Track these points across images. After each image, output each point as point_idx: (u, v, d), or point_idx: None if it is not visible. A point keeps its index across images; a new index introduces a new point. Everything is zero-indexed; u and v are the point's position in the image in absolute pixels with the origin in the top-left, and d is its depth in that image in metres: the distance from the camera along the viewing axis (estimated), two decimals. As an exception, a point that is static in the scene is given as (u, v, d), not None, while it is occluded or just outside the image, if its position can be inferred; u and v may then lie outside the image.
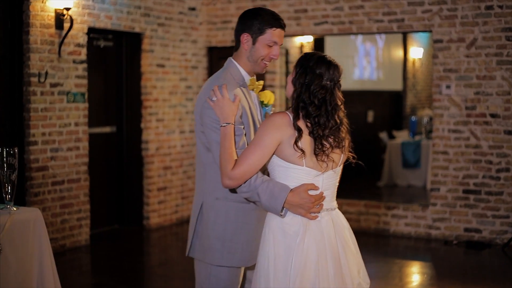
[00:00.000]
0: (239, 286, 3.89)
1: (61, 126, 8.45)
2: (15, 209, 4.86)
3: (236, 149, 3.62)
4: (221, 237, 3.76)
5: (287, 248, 3.53)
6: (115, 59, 9.90)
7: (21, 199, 7.90)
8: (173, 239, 9.81)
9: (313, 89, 3.53)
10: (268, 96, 4.06)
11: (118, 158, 9.99)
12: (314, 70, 3.54)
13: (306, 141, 3.54)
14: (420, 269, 8.24)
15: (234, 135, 3.64)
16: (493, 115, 8.91)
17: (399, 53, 16.18)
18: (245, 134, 3.74)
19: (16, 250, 4.82)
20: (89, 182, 8.88)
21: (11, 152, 4.83)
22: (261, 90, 4.05)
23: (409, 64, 16.36)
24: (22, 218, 4.88)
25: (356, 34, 10.66)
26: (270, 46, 3.86)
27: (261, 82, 4.00)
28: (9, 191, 4.86)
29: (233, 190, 3.68)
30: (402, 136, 14.23)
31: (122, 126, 9.98)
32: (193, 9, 10.61)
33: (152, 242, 9.56)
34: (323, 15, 9.86)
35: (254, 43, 3.85)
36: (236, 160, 3.55)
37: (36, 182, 8.14)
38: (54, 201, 8.38)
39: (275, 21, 3.85)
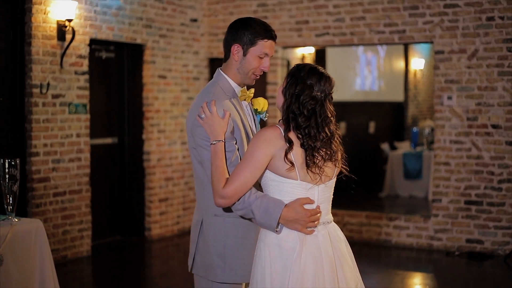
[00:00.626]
0: None
1: (62, 137, 8.46)
2: (16, 220, 4.87)
3: (228, 165, 3.55)
4: (221, 254, 3.71)
5: (284, 264, 3.45)
6: (116, 70, 9.92)
7: (22, 210, 7.91)
8: (174, 250, 9.80)
9: (303, 100, 3.45)
10: (262, 103, 3.99)
11: (119, 169, 9.99)
12: (304, 80, 3.47)
13: (298, 153, 3.47)
14: (422, 281, 8.22)
15: (225, 151, 3.57)
16: (494, 126, 8.91)
17: (401, 64, 16.20)
18: (238, 149, 3.66)
19: (17, 261, 4.82)
20: (90, 193, 8.88)
21: (13, 163, 4.84)
22: (253, 97, 3.99)
23: (411, 75, 16.38)
24: (23, 229, 4.88)
25: (357, 45, 10.68)
26: (261, 58, 3.77)
27: (252, 90, 3.92)
28: (11, 202, 4.87)
29: (227, 208, 3.61)
30: (404, 147, 14.23)
31: (124, 137, 9.99)
32: (194, 20, 10.64)
33: (153, 253, 9.55)
34: (325, 26, 9.88)
35: (245, 54, 3.75)
36: (227, 178, 3.48)
37: (37, 193, 8.14)
38: (55, 212, 8.37)
39: (267, 32, 3.75)
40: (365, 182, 12.23)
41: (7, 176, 4.81)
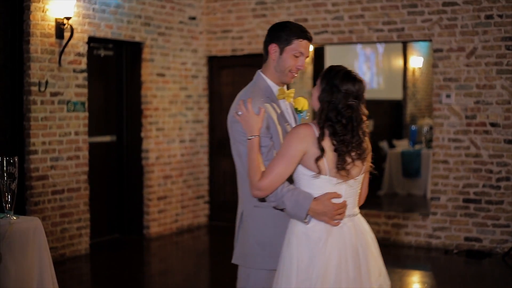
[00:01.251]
0: None
1: (61, 135, 8.46)
2: (15, 218, 4.86)
3: (263, 160, 3.78)
4: (261, 242, 3.92)
5: (310, 252, 3.66)
6: (115, 68, 9.91)
7: (21, 208, 7.90)
8: (173, 248, 9.80)
9: (340, 108, 3.64)
10: (302, 103, 4.19)
11: (118, 167, 9.98)
12: (340, 88, 3.64)
13: (329, 157, 3.66)
14: (420, 279, 8.23)
15: (260, 146, 3.80)
16: (493, 124, 8.91)
17: (399, 62, 16.19)
18: (274, 145, 3.88)
19: (16, 259, 4.81)
20: (89, 191, 8.88)
21: (11, 161, 4.83)
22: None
23: (409, 73, 16.37)
24: (22, 227, 4.88)
25: (356, 43, 10.68)
26: (297, 57, 3.98)
27: (292, 90, 4.12)
28: (9, 200, 4.86)
29: (262, 200, 3.83)
30: (402, 145, 14.23)
31: (122, 135, 9.99)
32: (193, 18, 10.63)
33: (152, 251, 9.55)
34: (323, 24, 9.88)
35: (281, 53, 3.98)
36: (263, 171, 3.70)
37: (36, 191, 8.13)
38: (54, 210, 8.37)
39: (302, 32, 3.98)
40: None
41: (5, 174, 4.81)
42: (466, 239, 9.09)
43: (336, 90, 3.64)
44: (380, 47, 15.59)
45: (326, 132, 3.64)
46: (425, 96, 16.97)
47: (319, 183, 3.70)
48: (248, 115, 3.79)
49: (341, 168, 3.67)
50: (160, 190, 10.10)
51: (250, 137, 3.76)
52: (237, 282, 4.09)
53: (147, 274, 8.54)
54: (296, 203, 3.68)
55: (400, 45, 15.70)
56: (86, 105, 8.81)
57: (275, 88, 4.04)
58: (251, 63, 10.64)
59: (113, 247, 9.43)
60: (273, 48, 4.00)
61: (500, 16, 8.78)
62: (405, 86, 16.31)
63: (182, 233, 10.34)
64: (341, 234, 3.71)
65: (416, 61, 16.45)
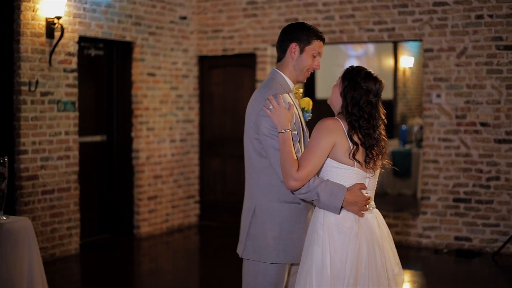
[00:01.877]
0: (285, 281, 4.16)
1: (51, 135, 8.44)
2: (5, 218, 4.85)
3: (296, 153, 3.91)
4: (277, 236, 4.02)
5: (342, 243, 3.84)
6: (105, 68, 9.90)
7: (11, 208, 7.88)
8: (163, 248, 9.79)
9: (362, 104, 3.91)
10: (307, 102, 4.39)
11: (108, 167, 9.97)
12: (361, 85, 3.92)
13: (359, 151, 3.90)
14: (410, 278, 8.24)
15: (292, 140, 3.92)
16: (483, 124, 8.93)
17: (390, 62, 16.22)
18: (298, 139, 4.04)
19: (5, 259, 4.81)
20: (79, 191, 8.86)
21: (1, 161, 4.82)
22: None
23: (400, 73, 16.39)
24: (12, 227, 4.87)
25: (346, 43, 10.69)
26: (314, 57, 4.17)
27: (301, 89, 4.37)
28: (-1, 200, 4.85)
29: (283, 194, 4.01)
30: (393, 144, 14.24)
31: (113, 135, 9.97)
32: (184, 18, 10.62)
33: (142, 251, 9.54)
34: (314, 24, 9.83)
35: (301, 52, 4.14)
36: (299, 163, 3.83)
37: (26, 191, 8.11)
38: (44, 210, 8.35)
39: (319, 33, 4.18)
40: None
41: (-5, 174, 4.80)
42: (456, 238, 9.11)
43: (359, 86, 3.91)
44: (371, 48, 15.62)
45: (355, 126, 3.88)
46: (416, 95, 17.00)
47: (348, 175, 3.90)
48: (279, 109, 3.90)
49: (369, 161, 3.90)
50: (151, 190, 10.08)
51: (282, 131, 3.87)
52: (244, 277, 4.16)
53: (137, 274, 8.53)
54: (331, 193, 3.83)
55: (390, 45, 15.73)
56: (77, 104, 8.79)
57: (292, 86, 4.21)
58: (242, 63, 10.66)
59: (103, 247, 9.41)
60: (294, 47, 4.13)
61: (491, 16, 8.80)
62: (395, 86, 16.33)
63: (172, 233, 10.33)
64: (367, 224, 3.93)
65: (407, 61, 16.48)
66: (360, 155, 3.90)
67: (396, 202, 12.49)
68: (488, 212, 8.93)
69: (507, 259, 8.66)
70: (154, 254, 9.45)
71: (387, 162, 4.12)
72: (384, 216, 9.75)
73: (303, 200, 4.03)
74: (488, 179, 8.92)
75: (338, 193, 3.84)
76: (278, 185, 4.01)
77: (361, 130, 3.90)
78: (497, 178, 8.86)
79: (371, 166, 3.93)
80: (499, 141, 8.85)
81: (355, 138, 3.89)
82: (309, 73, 4.22)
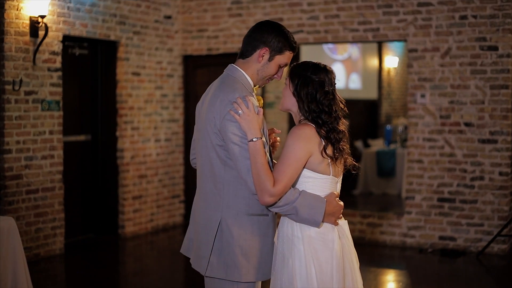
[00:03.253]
0: None
1: (35, 134, 8.40)
2: (-12, 217, 4.83)
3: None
4: (246, 253, 3.68)
5: (326, 255, 3.65)
6: (90, 67, 9.87)
7: (-6, 208, 7.85)
8: (148, 248, 9.78)
9: (319, 97, 3.66)
10: (258, 100, 3.98)
11: (93, 166, 9.94)
12: (313, 78, 3.66)
13: (328, 148, 3.67)
14: (395, 277, 8.27)
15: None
16: (467, 124, 8.97)
17: (374, 62, 16.26)
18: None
19: (-11, 259, 4.79)
20: (63, 191, 8.83)
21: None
22: None
23: (384, 73, 16.44)
24: (-5, 227, 4.85)
25: (331, 43, 10.71)
26: (280, 67, 3.84)
27: (257, 87, 3.95)
28: (-17, 199, 4.84)
29: (251, 207, 3.68)
30: (377, 144, 14.29)
31: (97, 134, 9.94)
32: (168, 17, 10.61)
33: (127, 251, 9.52)
34: (299, 24, 9.90)
35: (270, 59, 3.79)
36: (274, 176, 3.53)
37: (10, 190, 8.08)
38: (28, 210, 8.31)
39: (294, 44, 3.83)
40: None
41: (-21, 173, 4.78)
42: (441, 238, 9.15)
43: (310, 80, 3.66)
44: (356, 51, 15.66)
45: (319, 123, 3.64)
46: (400, 96, 17.05)
47: (324, 184, 3.71)
48: (250, 114, 3.55)
49: (338, 156, 3.69)
50: (135, 190, 10.07)
51: (254, 139, 3.53)
52: None
53: (122, 274, 8.52)
54: (311, 207, 3.60)
55: (375, 45, 15.77)
56: (61, 104, 8.76)
57: (252, 87, 3.85)
58: (227, 62, 10.54)
59: (88, 247, 9.38)
60: (264, 52, 3.77)
61: (474, 17, 8.84)
62: (380, 86, 16.38)
63: (157, 233, 10.32)
64: (342, 231, 3.78)
65: (391, 61, 16.53)
66: (330, 152, 3.67)
67: (380, 201, 12.53)
68: (472, 211, 8.97)
69: (491, 258, 8.70)
70: (139, 253, 9.44)
71: (351, 160, 3.88)
72: (369, 216, 9.85)
73: (277, 213, 3.75)
74: (472, 179, 8.96)
75: (318, 206, 3.61)
76: (246, 197, 3.67)
77: (326, 126, 3.66)
78: (481, 178, 8.90)
79: (341, 161, 3.75)
80: (483, 141, 8.89)
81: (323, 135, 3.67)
82: (269, 82, 3.90)
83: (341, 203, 3.78)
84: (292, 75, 3.72)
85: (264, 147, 3.59)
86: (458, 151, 9.04)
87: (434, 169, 9.17)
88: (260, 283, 3.83)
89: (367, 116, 16.38)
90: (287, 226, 3.71)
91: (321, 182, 3.68)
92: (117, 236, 9.90)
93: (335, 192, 3.75)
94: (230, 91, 3.66)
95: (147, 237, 10.08)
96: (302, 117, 3.73)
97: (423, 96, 9.19)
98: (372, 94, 16.32)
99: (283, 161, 3.55)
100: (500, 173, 8.83)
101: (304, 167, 3.64)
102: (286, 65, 3.84)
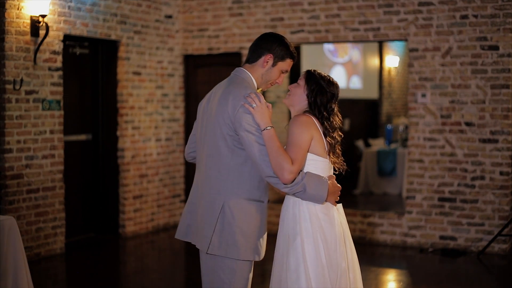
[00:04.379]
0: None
1: (36, 133, 8.40)
2: (-11, 217, 4.83)
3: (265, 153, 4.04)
4: (245, 233, 4.09)
5: (331, 231, 4.13)
6: (91, 66, 9.87)
7: (-5, 207, 7.85)
8: (149, 247, 9.78)
9: (329, 107, 4.24)
10: None
11: (93, 166, 9.94)
12: (327, 90, 4.24)
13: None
14: (396, 277, 8.26)
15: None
16: (468, 124, 8.97)
17: (375, 61, 16.26)
18: None
19: (-10, 259, 4.79)
20: (64, 190, 8.83)
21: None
22: None
23: (385, 73, 16.44)
24: (-4, 226, 4.85)
25: (332, 42, 10.71)
26: (282, 73, 4.33)
27: (259, 90, 4.42)
28: (-16, 199, 4.83)
29: (251, 193, 4.12)
30: (378, 144, 14.28)
31: (98, 134, 9.94)
32: (169, 17, 10.61)
33: (127, 250, 9.52)
34: (300, 23, 9.89)
35: (273, 65, 4.27)
36: (290, 157, 3.99)
37: (10, 190, 8.08)
38: (29, 209, 8.32)
39: (294, 53, 4.34)
40: (339, 179, 12.25)
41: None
42: (441, 237, 9.15)
43: (325, 92, 4.23)
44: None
45: (325, 124, 4.20)
46: (401, 95, 17.06)
47: (323, 166, 4.18)
48: (262, 107, 4.02)
49: (333, 151, 4.24)
50: (136, 189, 10.07)
51: (268, 128, 3.98)
52: (218, 274, 4.16)
53: (122, 273, 8.52)
54: (317, 184, 4.06)
55: (376, 45, 15.77)
56: (62, 103, 8.76)
57: (256, 88, 4.31)
58: (227, 62, 10.65)
59: (89, 247, 9.38)
60: (268, 58, 4.25)
61: (475, 16, 8.84)
62: (381, 86, 16.38)
63: (158, 232, 10.32)
64: (340, 211, 4.30)
65: (392, 60, 16.52)
66: (327, 144, 4.21)
67: (381, 201, 12.52)
68: (473, 211, 8.96)
69: (492, 258, 8.70)
70: (139, 253, 9.44)
71: (341, 164, 4.35)
72: (369, 216, 9.86)
73: (287, 193, 4.18)
74: (473, 179, 8.95)
75: (323, 183, 4.09)
76: (247, 183, 4.12)
77: (329, 131, 4.23)
78: (482, 178, 8.90)
79: (334, 158, 4.26)
80: (483, 141, 8.89)
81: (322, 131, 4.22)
82: (271, 86, 4.38)
83: (339, 185, 4.24)
84: (309, 80, 4.27)
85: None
86: (458, 151, 9.03)
87: (434, 169, 9.17)
88: (253, 262, 4.24)
89: (367, 115, 16.39)
90: (292, 207, 4.17)
91: (321, 164, 4.16)
92: (118, 236, 9.91)
93: (333, 175, 4.28)
94: (242, 88, 4.13)
95: (148, 236, 10.08)
96: (304, 111, 4.27)
97: (423, 95, 9.19)
98: (373, 94, 16.32)
99: (293, 144, 4.05)
100: (501, 173, 8.83)
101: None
102: (286, 71, 4.35)
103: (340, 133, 4.31)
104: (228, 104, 4.08)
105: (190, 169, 11.04)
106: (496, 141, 8.84)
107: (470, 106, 8.95)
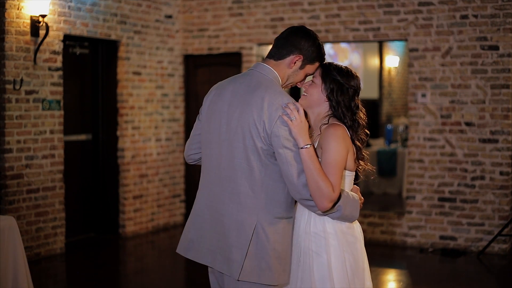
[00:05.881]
0: None
1: (36, 133, 8.40)
2: (-11, 217, 4.83)
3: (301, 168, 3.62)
4: (280, 256, 3.69)
5: (359, 246, 3.86)
6: (91, 66, 9.87)
7: (-5, 207, 7.85)
8: (149, 247, 9.78)
9: (353, 106, 3.82)
10: None
11: (93, 166, 9.94)
12: (348, 87, 3.81)
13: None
14: (396, 277, 8.26)
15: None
16: (468, 124, 8.97)
17: (375, 61, 16.25)
18: None
19: (-10, 259, 4.79)
20: (64, 190, 8.83)
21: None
22: None
23: (385, 73, 16.44)
24: (-4, 226, 4.85)
25: (332, 42, 10.70)
26: (306, 75, 3.89)
27: None
28: (-16, 199, 4.84)
29: (285, 211, 3.71)
30: (378, 144, 14.28)
31: (98, 133, 9.94)
32: (169, 17, 10.61)
33: (127, 250, 9.52)
34: (300, 23, 9.89)
35: (301, 67, 3.81)
36: (331, 182, 3.58)
37: (11, 190, 8.08)
38: (29, 209, 8.32)
39: (323, 56, 3.88)
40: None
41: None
42: (441, 237, 9.15)
43: (346, 89, 3.80)
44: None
45: (352, 127, 3.80)
46: (401, 95, 17.05)
47: (351, 181, 3.86)
48: (301, 122, 3.57)
49: (361, 156, 3.85)
50: (136, 189, 10.07)
51: (307, 145, 3.54)
52: None
53: (122, 273, 8.52)
54: (352, 205, 3.73)
55: (376, 45, 15.77)
56: (62, 103, 8.76)
57: None
58: (228, 62, 10.65)
59: (89, 246, 9.38)
60: (297, 59, 3.78)
61: (475, 16, 8.84)
62: (381, 86, 16.38)
63: (158, 232, 10.32)
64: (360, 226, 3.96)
65: (392, 60, 16.52)
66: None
67: (381, 201, 12.52)
68: (473, 211, 8.96)
69: (492, 258, 8.70)
70: (139, 253, 9.44)
71: (369, 166, 3.98)
72: (369, 216, 9.83)
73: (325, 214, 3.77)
74: (473, 179, 8.95)
75: (356, 203, 3.76)
76: (281, 201, 3.69)
77: (356, 131, 3.84)
78: (482, 178, 8.90)
79: (358, 163, 3.88)
80: (483, 141, 8.89)
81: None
82: (290, 87, 3.96)
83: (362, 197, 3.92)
84: (326, 77, 3.82)
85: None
86: (458, 151, 9.03)
87: (434, 169, 9.17)
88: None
89: (367, 115, 16.19)
90: (314, 223, 3.77)
91: (349, 179, 3.83)
92: (118, 236, 9.91)
93: (358, 188, 3.92)
94: (277, 94, 3.65)
95: (148, 236, 10.08)
96: (328, 116, 3.83)
97: (423, 95, 9.19)
98: (373, 94, 16.32)
99: (332, 166, 3.62)
100: (501, 173, 8.83)
101: None
102: (311, 74, 3.88)
103: (366, 131, 3.93)
104: (264, 113, 3.59)
105: (190, 169, 11.04)
106: (496, 141, 8.84)
107: (470, 106, 8.96)
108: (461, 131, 9.01)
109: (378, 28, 9.44)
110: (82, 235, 9.75)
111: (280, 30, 9.91)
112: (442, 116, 9.11)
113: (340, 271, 3.74)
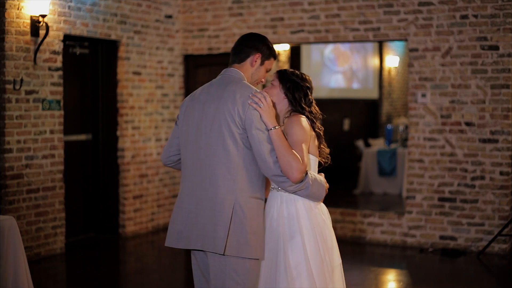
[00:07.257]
0: None
1: (36, 133, 8.40)
2: (-11, 217, 4.83)
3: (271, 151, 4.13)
4: (255, 232, 4.11)
5: (327, 226, 4.33)
6: (91, 66, 9.87)
7: (-5, 207, 7.85)
8: (149, 247, 9.78)
9: (307, 101, 4.39)
10: None
11: (93, 166, 9.94)
12: (302, 85, 4.39)
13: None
14: (396, 277, 8.26)
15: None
16: (468, 124, 8.97)
17: (375, 61, 16.25)
18: None
19: (-10, 259, 4.79)
20: (64, 190, 8.83)
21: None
22: None
23: (385, 73, 16.44)
24: (-4, 226, 4.85)
25: (332, 42, 10.70)
26: (266, 72, 4.44)
27: None
28: (-16, 199, 4.84)
29: (256, 190, 4.15)
30: (378, 144, 14.28)
31: (98, 133, 9.94)
32: (169, 17, 10.61)
33: (128, 250, 9.52)
34: (300, 23, 9.89)
35: (261, 64, 4.38)
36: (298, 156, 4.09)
37: (10, 190, 8.08)
38: (29, 209, 8.32)
39: (275, 53, 4.47)
40: (339, 179, 12.26)
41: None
42: (441, 237, 9.15)
43: (300, 87, 4.38)
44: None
45: (311, 119, 4.35)
46: (401, 95, 17.05)
47: (315, 165, 4.37)
48: (269, 106, 4.10)
49: (322, 139, 4.43)
50: (136, 189, 10.07)
51: (276, 127, 4.06)
52: (230, 275, 4.09)
53: (123, 273, 8.52)
54: (319, 184, 4.22)
55: (376, 45, 15.76)
56: (62, 103, 8.76)
57: None
58: (227, 62, 10.63)
59: (89, 246, 9.39)
60: (257, 57, 4.35)
61: (475, 16, 8.84)
62: (381, 86, 16.38)
63: (158, 232, 10.32)
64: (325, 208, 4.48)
65: (392, 60, 16.52)
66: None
67: (381, 201, 12.53)
68: (473, 211, 8.97)
69: (492, 258, 8.71)
70: (139, 253, 9.44)
71: (326, 153, 4.52)
72: (369, 215, 9.85)
73: (287, 191, 4.24)
74: (473, 179, 8.95)
75: (321, 184, 4.25)
76: (254, 182, 4.14)
77: (312, 122, 4.38)
78: (482, 178, 8.90)
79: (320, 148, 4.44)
80: (483, 141, 8.89)
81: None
82: (257, 85, 4.44)
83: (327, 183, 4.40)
84: (282, 79, 4.40)
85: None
86: (458, 151, 9.03)
87: (434, 169, 9.17)
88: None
89: (367, 115, 16.38)
90: (286, 207, 4.27)
91: (314, 163, 4.35)
92: (118, 236, 9.91)
93: (322, 174, 4.41)
94: (246, 86, 4.20)
95: (148, 236, 10.08)
96: (289, 111, 4.38)
97: (423, 95, 9.19)
98: (373, 94, 16.32)
99: (298, 143, 4.14)
100: (501, 173, 8.83)
101: None
102: (270, 70, 4.48)
103: (320, 125, 4.44)
104: (237, 102, 4.10)
105: (190, 169, 11.01)
106: (496, 141, 8.84)
107: (470, 106, 8.96)
108: (461, 131, 9.01)
109: (378, 28, 9.44)
110: (82, 235, 9.75)
111: (280, 30, 9.95)
112: (442, 116, 9.11)
113: (314, 251, 4.17)
